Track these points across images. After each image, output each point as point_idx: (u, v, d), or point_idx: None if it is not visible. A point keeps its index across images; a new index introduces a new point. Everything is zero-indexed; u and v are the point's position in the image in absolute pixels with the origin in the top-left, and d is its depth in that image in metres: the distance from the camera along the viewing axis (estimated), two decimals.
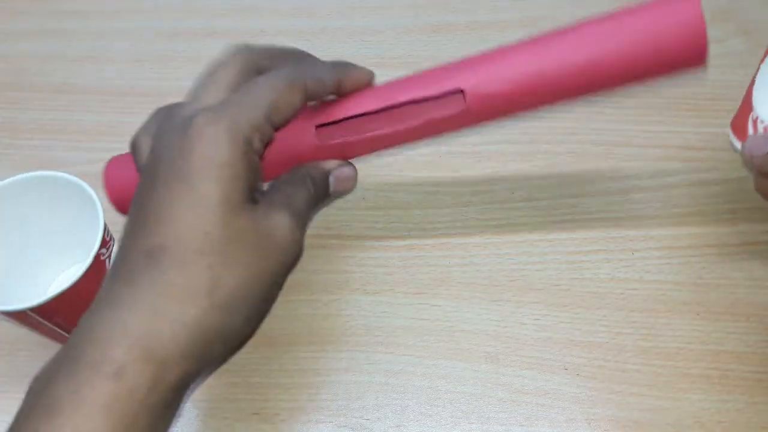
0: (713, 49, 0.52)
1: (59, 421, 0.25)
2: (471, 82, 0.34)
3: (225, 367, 0.39)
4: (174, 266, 0.28)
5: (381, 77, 0.52)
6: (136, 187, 0.31)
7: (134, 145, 0.35)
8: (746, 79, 0.50)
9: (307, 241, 0.43)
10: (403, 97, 0.35)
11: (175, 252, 0.28)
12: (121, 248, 0.30)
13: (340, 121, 0.36)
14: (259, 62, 0.35)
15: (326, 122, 0.36)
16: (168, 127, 0.32)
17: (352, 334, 0.39)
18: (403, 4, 0.57)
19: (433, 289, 0.41)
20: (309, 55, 0.36)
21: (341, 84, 0.35)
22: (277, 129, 0.33)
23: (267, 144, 0.33)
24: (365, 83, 0.37)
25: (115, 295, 0.28)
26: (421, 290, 0.41)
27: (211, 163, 0.29)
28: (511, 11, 0.56)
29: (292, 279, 0.42)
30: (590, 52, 0.33)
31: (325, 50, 0.54)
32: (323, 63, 0.36)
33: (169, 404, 0.28)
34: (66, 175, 0.37)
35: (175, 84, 0.53)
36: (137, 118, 0.50)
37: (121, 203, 0.38)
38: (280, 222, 0.31)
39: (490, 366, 0.38)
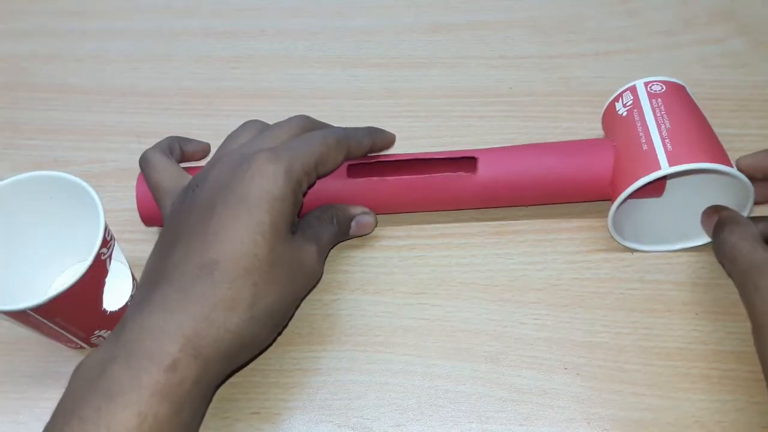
0: (713, 49, 0.52)
1: (120, 401, 0.29)
2: (484, 154, 0.41)
3: None
4: (225, 280, 0.32)
5: (381, 77, 0.52)
6: (185, 205, 0.36)
7: (146, 161, 0.40)
8: (746, 78, 0.50)
9: None
10: (426, 156, 0.42)
11: (227, 268, 0.32)
12: (177, 257, 0.33)
13: (369, 164, 0.42)
14: (311, 129, 0.40)
15: (356, 163, 0.42)
16: (228, 161, 0.36)
17: (352, 334, 0.39)
18: (403, 4, 0.57)
19: (433, 289, 0.41)
20: (355, 127, 0.42)
21: (374, 145, 0.42)
22: (319, 177, 0.39)
23: (310, 187, 0.38)
24: (390, 143, 0.43)
25: (168, 299, 0.32)
26: (421, 290, 0.41)
27: (268, 195, 0.34)
28: (511, 11, 0.56)
29: None
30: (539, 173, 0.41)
31: (325, 50, 0.54)
32: (361, 129, 0.41)
33: (205, 397, 0.32)
34: (66, 175, 0.37)
35: (175, 84, 0.53)
36: (137, 118, 0.51)
37: (148, 216, 0.40)
38: (309, 252, 0.37)
39: (490, 366, 0.38)
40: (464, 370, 0.38)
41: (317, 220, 0.39)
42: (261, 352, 0.39)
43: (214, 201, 0.34)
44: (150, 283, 0.33)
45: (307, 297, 0.41)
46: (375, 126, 0.43)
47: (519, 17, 0.55)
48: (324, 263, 0.39)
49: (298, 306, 0.39)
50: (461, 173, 0.41)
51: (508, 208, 0.43)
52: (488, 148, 0.42)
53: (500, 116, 0.49)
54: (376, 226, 0.43)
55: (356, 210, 0.41)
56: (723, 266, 0.39)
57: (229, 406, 0.37)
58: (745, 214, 0.39)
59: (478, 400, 0.37)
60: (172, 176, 0.39)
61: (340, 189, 0.41)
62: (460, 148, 0.42)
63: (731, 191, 0.39)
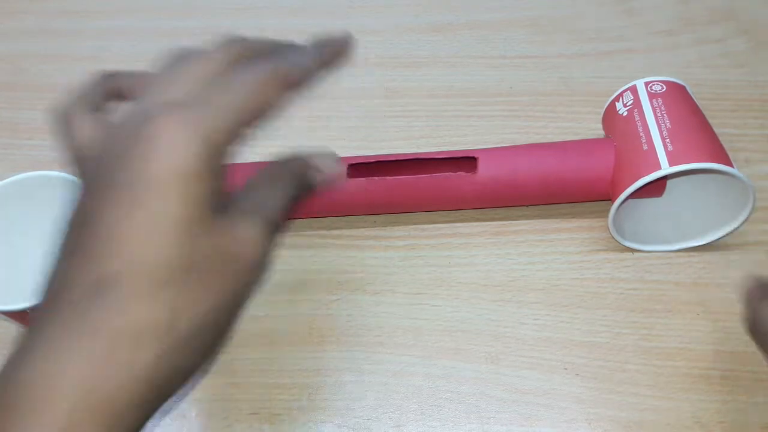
0: (713, 49, 0.52)
1: None
2: (484, 153, 0.41)
3: (225, 366, 0.39)
4: (126, 302, 0.23)
5: (381, 77, 0.52)
6: (81, 187, 0.26)
7: (59, 121, 0.30)
8: (746, 78, 0.50)
9: (307, 240, 0.43)
10: (426, 156, 0.41)
11: (129, 284, 0.23)
12: (60, 273, 0.25)
13: (369, 164, 0.41)
14: (248, 57, 0.28)
15: (356, 163, 0.41)
16: (125, 122, 0.26)
17: (352, 334, 0.39)
18: (403, 4, 0.57)
19: (433, 289, 0.41)
20: (296, 45, 0.29)
21: (323, 60, 0.29)
22: (253, 126, 0.27)
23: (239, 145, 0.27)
24: (344, 45, 0.30)
25: (55, 336, 0.23)
26: (421, 290, 0.41)
27: (172, 174, 0.24)
28: (511, 11, 0.56)
29: (292, 279, 0.42)
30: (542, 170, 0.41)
31: None
32: (301, 48, 0.29)
33: None
34: (66, 175, 0.37)
35: None
36: None
37: None
38: (247, 235, 0.26)
39: (490, 366, 0.38)
40: (464, 370, 0.38)
41: (260, 186, 0.29)
42: (202, 371, 0.32)
43: (99, 187, 0.25)
44: (39, 305, 0.25)
45: (307, 297, 0.41)
46: (321, 37, 0.30)
47: (519, 17, 0.55)
48: (274, 242, 0.28)
49: (245, 305, 0.29)
50: (461, 173, 0.41)
51: (508, 208, 0.43)
52: (488, 148, 0.42)
53: (500, 116, 0.49)
54: (342, 176, 0.31)
55: (314, 154, 0.30)
56: (757, 343, 0.33)
57: (228, 406, 0.37)
58: (745, 214, 0.39)
59: (479, 400, 0.37)
60: (91, 142, 0.27)
61: (340, 189, 0.41)
62: (460, 148, 0.42)
63: (732, 191, 0.39)
